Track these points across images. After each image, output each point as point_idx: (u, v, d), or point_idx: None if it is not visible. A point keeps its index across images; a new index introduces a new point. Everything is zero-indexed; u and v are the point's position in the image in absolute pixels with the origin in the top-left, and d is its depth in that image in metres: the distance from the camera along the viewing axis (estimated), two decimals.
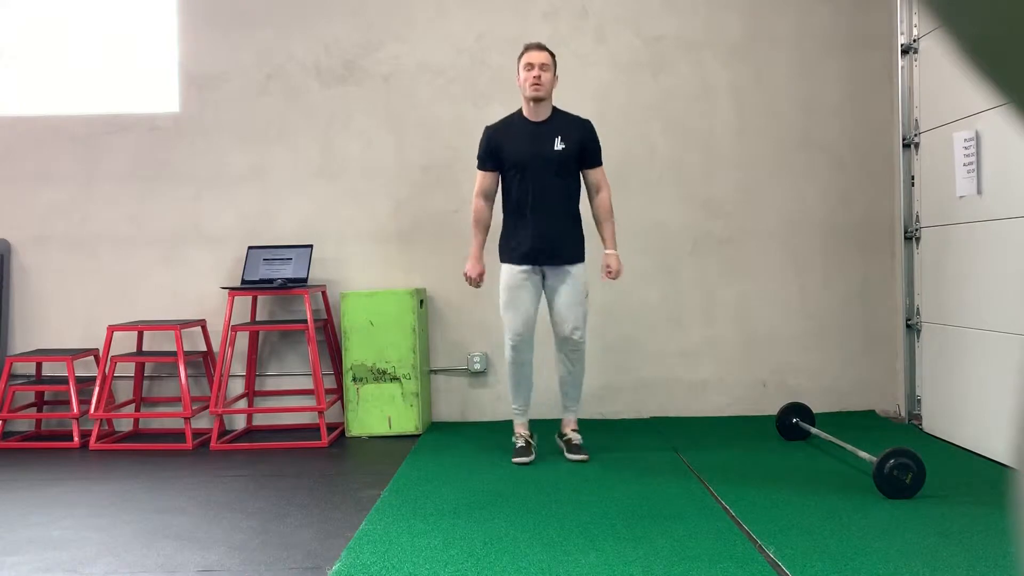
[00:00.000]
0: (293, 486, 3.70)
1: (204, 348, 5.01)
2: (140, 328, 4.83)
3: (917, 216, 4.63)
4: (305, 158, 5.08)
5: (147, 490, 3.71)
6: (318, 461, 4.21)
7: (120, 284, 5.11)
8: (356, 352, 4.68)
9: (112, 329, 4.72)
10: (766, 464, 3.85)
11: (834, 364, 5.00)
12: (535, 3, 5.03)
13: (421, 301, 4.85)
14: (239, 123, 5.08)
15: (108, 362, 4.70)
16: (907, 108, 4.67)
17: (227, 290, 4.78)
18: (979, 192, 3.93)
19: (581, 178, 4.07)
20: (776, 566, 2.55)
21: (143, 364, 5.03)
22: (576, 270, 4.00)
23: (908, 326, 4.71)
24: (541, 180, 3.93)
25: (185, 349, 4.76)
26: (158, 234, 5.10)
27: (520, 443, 4.06)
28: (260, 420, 5.04)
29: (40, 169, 5.11)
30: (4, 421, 4.76)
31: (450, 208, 5.01)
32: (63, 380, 4.78)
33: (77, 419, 4.65)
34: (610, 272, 4.04)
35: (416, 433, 4.68)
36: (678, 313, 5.03)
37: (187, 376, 4.66)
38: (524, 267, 3.98)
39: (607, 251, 4.05)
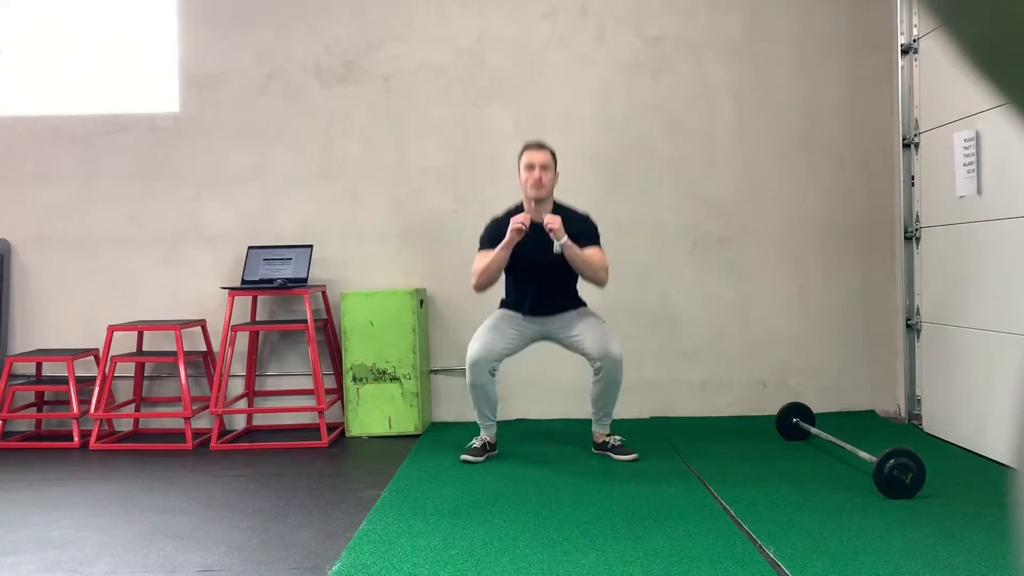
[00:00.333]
0: (293, 486, 3.70)
1: (204, 348, 5.01)
2: (140, 328, 4.83)
3: (917, 216, 4.63)
4: (305, 158, 5.08)
5: (147, 490, 3.71)
6: (318, 461, 4.21)
7: (120, 284, 5.11)
8: (356, 352, 4.68)
9: (112, 329, 4.72)
10: (766, 464, 3.85)
11: (834, 364, 5.00)
12: (535, 3, 5.03)
13: (421, 301, 4.85)
14: (239, 123, 5.07)
15: (108, 362, 4.70)
16: (907, 108, 4.67)
17: (227, 290, 4.78)
18: (979, 192, 3.93)
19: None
20: (776, 566, 2.55)
21: (143, 364, 5.03)
22: (582, 309, 4.09)
23: (908, 326, 4.71)
24: (540, 277, 4.00)
25: (185, 349, 4.76)
26: (158, 234, 5.10)
27: (477, 444, 4.05)
28: (260, 420, 5.04)
29: (40, 169, 5.11)
30: (4, 421, 4.76)
31: (450, 208, 5.01)
32: (63, 380, 4.78)
33: (77, 419, 4.65)
34: (550, 223, 3.85)
35: (416, 433, 4.68)
36: (678, 313, 5.03)
37: (187, 376, 4.66)
38: (519, 314, 4.05)
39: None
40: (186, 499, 3.53)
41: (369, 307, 4.70)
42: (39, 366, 4.98)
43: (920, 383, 4.64)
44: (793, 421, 4.32)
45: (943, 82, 4.29)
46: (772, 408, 4.65)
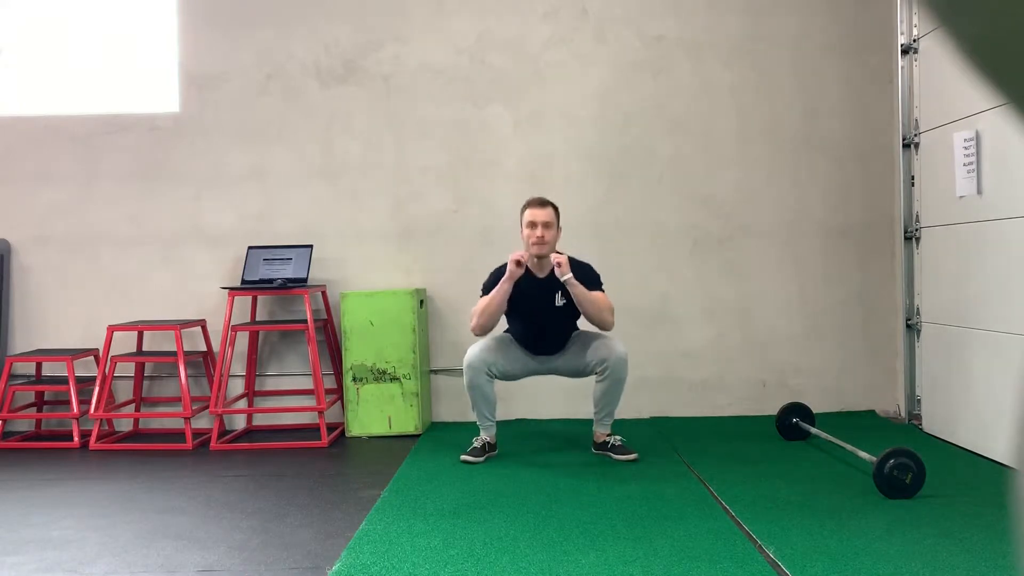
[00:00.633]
0: (293, 486, 3.70)
1: (204, 348, 5.01)
2: (140, 328, 4.83)
3: (917, 216, 4.63)
4: (305, 158, 5.08)
5: (147, 490, 3.71)
6: (318, 461, 4.21)
7: (120, 284, 5.11)
8: (356, 352, 4.68)
9: (112, 329, 4.72)
10: (766, 464, 3.85)
11: (834, 364, 5.00)
12: (535, 3, 5.03)
13: (421, 301, 4.85)
14: (239, 123, 5.07)
15: (108, 362, 4.70)
16: (907, 108, 4.67)
17: (227, 290, 4.78)
18: (979, 192, 3.93)
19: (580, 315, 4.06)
20: (776, 566, 2.55)
21: (143, 364, 5.03)
22: (577, 333, 4.14)
23: (908, 326, 4.71)
24: (543, 327, 4.07)
25: (185, 349, 4.76)
26: (158, 234, 5.10)
27: (477, 444, 4.06)
28: (260, 420, 5.04)
29: (40, 169, 5.11)
30: (4, 421, 4.76)
31: (450, 208, 5.01)
32: (63, 380, 4.78)
33: (77, 419, 4.65)
34: (557, 264, 3.89)
35: (416, 433, 4.68)
36: (678, 313, 5.03)
37: (187, 376, 4.66)
38: (524, 350, 4.11)
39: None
40: (186, 499, 3.53)
41: (369, 307, 4.70)
42: (39, 366, 4.98)
43: (920, 383, 4.64)
44: (793, 421, 4.32)
45: (943, 82, 4.29)
46: (772, 408, 4.65)
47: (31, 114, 5.14)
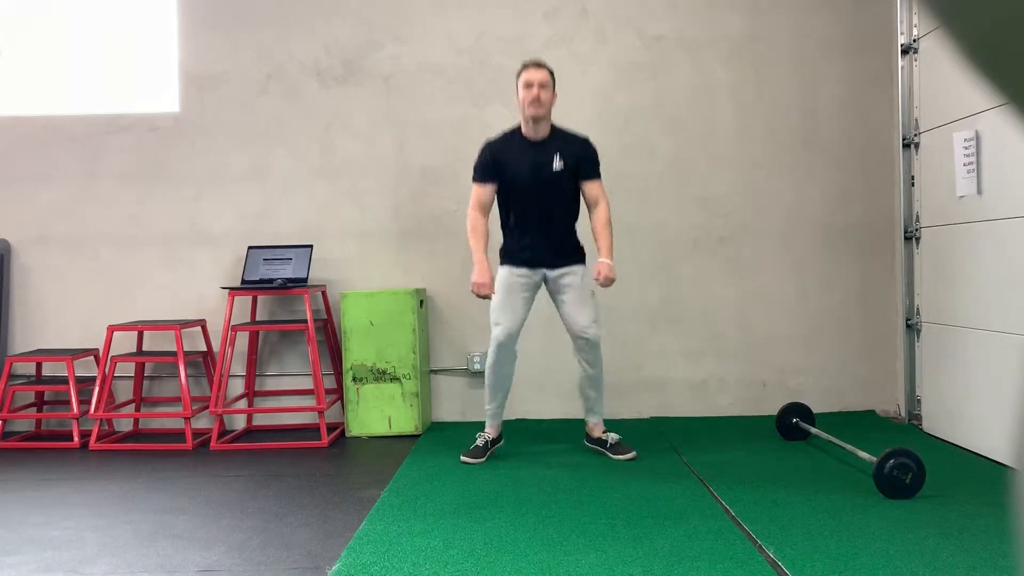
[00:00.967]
0: (293, 486, 3.70)
1: (204, 348, 5.01)
2: (140, 328, 4.83)
3: (917, 216, 4.63)
4: (305, 158, 5.08)
5: (147, 490, 3.71)
6: (318, 461, 4.21)
7: (120, 284, 5.11)
8: (356, 352, 4.68)
9: (112, 329, 4.72)
10: (766, 464, 3.85)
11: (834, 364, 5.00)
12: (535, 3, 5.03)
13: (421, 301, 4.85)
14: (239, 123, 5.08)
15: (108, 362, 4.70)
16: (907, 108, 4.67)
17: (227, 290, 4.78)
18: (979, 192, 3.93)
19: (580, 194, 4.06)
20: (776, 566, 2.55)
21: (143, 364, 5.03)
22: (578, 269, 4.00)
23: (908, 326, 4.71)
24: (540, 199, 3.94)
25: (185, 349, 4.76)
26: (158, 234, 5.10)
27: (479, 442, 4.06)
28: (260, 420, 5.04)
29: (40, 169, 5.11)
30: (4, 421, 4.76)
31: (450, 208, 5.01)
32: (63, 380, 4.78)
33: (77, 419, 4.65)
34: (599, 277, 3.92)
35: (416, 433, 4.68)
36: (678, 313, 5.03)
37: (187, 376, 4.66)
38: (523, 270, 3.98)
39: (601, 259, 4.01)
40: (186, 499, 3.53)
41: (369, 307, 4.70)
42: (39, 366, 4.98)
43: (920, 383, 4.64)
44: (793, 421, 4.32)
45: (943, 82, 4.29)
46: (772, 408, 4.66)
47: (31, 114, 5.14)
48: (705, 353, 5.02)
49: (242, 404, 4.99)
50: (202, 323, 4.99)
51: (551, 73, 3.97)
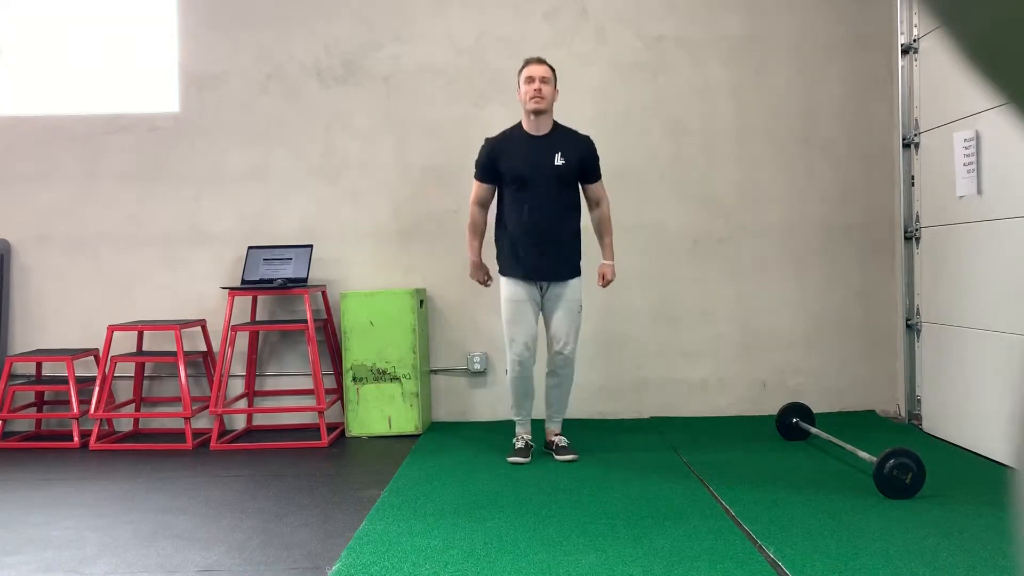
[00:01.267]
0: (293, 486, 3.70)
1: (204, 348, 5.01)
2: (140, 328, 4.83)
3: (917, 216, 4.63)
4: (305, 158, 5.08)
5: (147, 490, 3.71)
6: (318, 461, 4.21)
7: (120, 284, 5.10)
8: (356, 352, 4.68)
9: (112, 329, 4.72)
10: (766, 464, 3.85)
11: (834, 364, 5.00)
12: (535, 3, 5.03)
13: (421, 301, 4.85)
14: (239, 123, 5.07)
15: (108, 362, 4.70)
16: (907, 108, 4.67)
17: (227, 290, 4.78)
18: (979, 192, 3.93)
19: (580, 192, 4.07)
20: (776, 566, 2.55)
21: (143, 364, 5.03)
22: (574, 283, 4.03)
23: (908, 326, 4.71)
24: (540, 195, 3.93)
25: (185, 349, 4.76)
26: (158, 234, 5.10)
27: (520, 444, 4.08)
28: (260, 420, 5.04)
29: (40, 169, 5.11)
30: (4, 421, 4.76)
31: (450, 208, 5.01)
32: (63, 380, 4.78)
33: (77, 419, 4.65)
34: (601, 282, 4.09)
35: (416, 433, 4.68)
36: (678, 313, 5.03)
37: (187, 376, 4.66)
38: (525, 282, 4.01)
39: (604, 261, 4.08)
40: (186, 499, 3.53)
41: (369, 307, 4.70)
42: (39, 366, 4.98)
43: (920, 383, 4.64)
44: (793, 421, 4.32)
45: (943, 82, 4.29)
46: (772, 408, 4.66)
47: (31, 114, 5.14)
48: (705, 353, 5.02)
49: (242, 404, 4.99)
50: (202, 323, 4.99)
51: (552, 69, 3.99)
